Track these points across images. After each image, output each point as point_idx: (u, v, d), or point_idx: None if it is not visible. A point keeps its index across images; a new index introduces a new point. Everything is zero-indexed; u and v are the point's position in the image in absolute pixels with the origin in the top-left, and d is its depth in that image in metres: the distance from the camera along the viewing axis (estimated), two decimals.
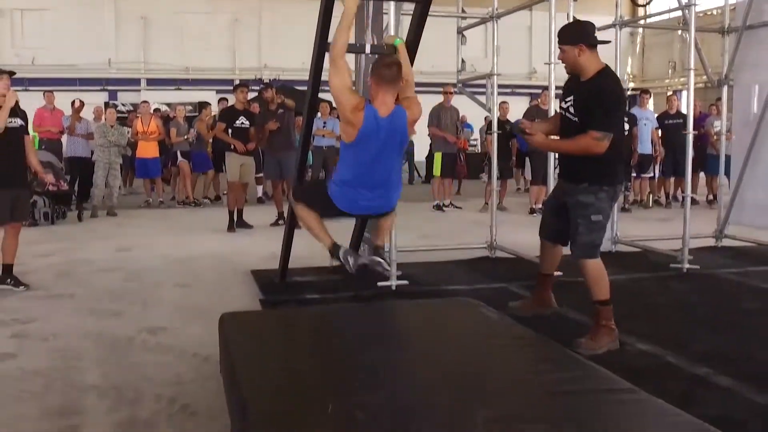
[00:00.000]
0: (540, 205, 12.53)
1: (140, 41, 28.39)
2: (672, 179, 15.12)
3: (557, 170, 6.14)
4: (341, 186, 5.11)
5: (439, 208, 14.46)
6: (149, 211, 14.57)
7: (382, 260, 5.54)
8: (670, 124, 14.27)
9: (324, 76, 5.71)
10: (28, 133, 7.65)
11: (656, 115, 15.23)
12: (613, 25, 9.23)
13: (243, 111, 11.68)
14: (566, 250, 5.67)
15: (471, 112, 15.14)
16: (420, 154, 20.74)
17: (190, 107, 21.47)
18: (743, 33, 9.44)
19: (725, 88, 9.98)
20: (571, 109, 5.35)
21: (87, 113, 15.06)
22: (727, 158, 10.22)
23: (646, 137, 14.27)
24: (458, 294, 6.64)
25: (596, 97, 5.22)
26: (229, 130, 11.54)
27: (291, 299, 6.87)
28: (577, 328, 5.58)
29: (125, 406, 4.33)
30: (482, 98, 9.11)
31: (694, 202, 11.24)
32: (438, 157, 14.47)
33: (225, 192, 13.70)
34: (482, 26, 9.84)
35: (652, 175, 15.10)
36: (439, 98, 14.33)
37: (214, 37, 28.57)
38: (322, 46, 5.84)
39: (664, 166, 14.97)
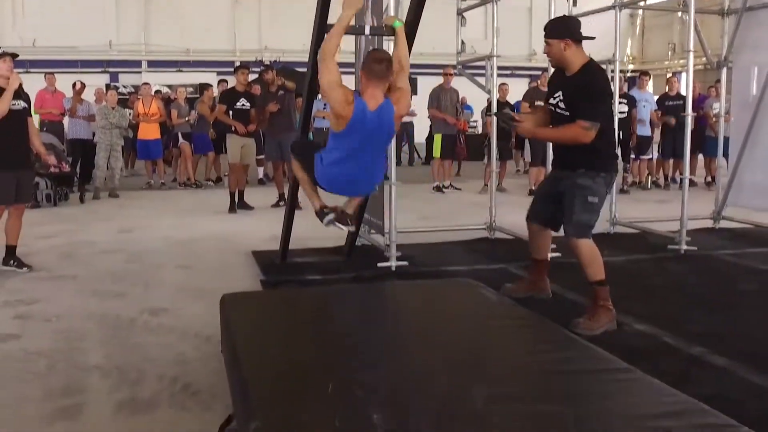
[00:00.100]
0: None
1: (141, 23, 28.37)
2: (671, 161, 15.10)
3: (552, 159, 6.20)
4: (326, 166, 5.22)
5: (438, 189, 14.48)
6: (151, 192, 14.59)
7: (351, 227, 5.85)
8: (671, 105, 14.23)
9: None
10: (31, 116, 7.69)
11: (657, 97, 15.24)
12: (612, 7, 9.18)
13: (244, 93, 11.70)
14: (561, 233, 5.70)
15: (471, 93, 15.13)
16: (420, 135, 20.71)
17: (191, 89, 21.46)
18: (743, 15, 9.42)
19: (724, 70, 9.97)
20: (561, 104, 5.44)
21: (88, 95, 15.07)
22: (726, 140, 10.23)
23: (645, 119, 14.28)
24: (458, 275, 6.68)
25: (583, 90, 5.31)
26: (230, 112, 11.57)
27: (292, 280, 6.90)
28: (575, 308, 5.62)
29: (128, 386, 4.37)
30: (482, 80, 9.11)
31: (692, 183, 11.26)
32: (438, 138, 14.49)
33: (226, 173, 13.73)
34: (482, 7, 9.82)
35: (650, 156, 15.10)
36: (439, 80, 14.33)
37: (214, 19, 28.54)
38: (321, 27, 5.85)
39: (663, 148, 14.99)
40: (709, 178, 14.61)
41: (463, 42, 9.47)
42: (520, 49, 25.27)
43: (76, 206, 12.43)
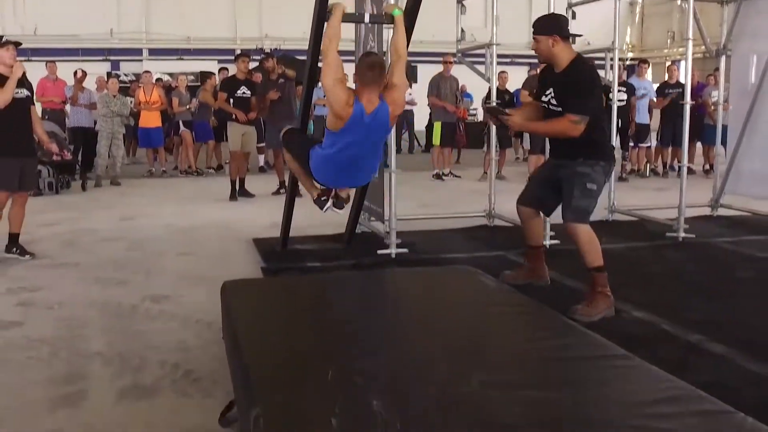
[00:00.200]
0: None
1: (142, 11, 28.33)
2: (669, 149, 15.11)
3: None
4: (322, 162, 5.38)
5: (438, 177, 14.51)
6: (152, 180, 14.63)
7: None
8: (670, 93, 14.23)
9: None
10: (34, 104, 7.72)
11: (656, 86, 15.23)
12: None
13: (244, 81, 11.74)
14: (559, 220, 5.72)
15: (471, 81, 15.13)
16: (420, 123, 20.71)
17: (192, 77, 21.45)
18: (742, 3, 9.40)
19: (723, 58, 9.97)
20: (553, 101, 5.50)
21: (89, 83, 15.09)
22: (724, 128, 10.25)
23: (644, 107, 14.28)
24: (457, 262, 6.68)
25: (572, 85, 5.38)
26: (231, 100, 11.59)
27: (292, 267, 6.92)
28: (573, 295, 5.65)
29: (130, 372, 4.40)
30: (482, 68, 9.11)
31: (690, 171, 11.25)
32: (437, 126, 14.52)
33: (227, 161, 13.75)
34: None
35: (649, 144, 15.12)
36: (439, 68, 14.34)
37: (215, 7, 28.50)
38: (321, 15, 5.86)
39: (661, 136, 14.99)
40: (707, 166, 14.58)
41: (462, 30, 9.46)
42: (519, 37, 25.08)
43: (78, 194, 12.46)
